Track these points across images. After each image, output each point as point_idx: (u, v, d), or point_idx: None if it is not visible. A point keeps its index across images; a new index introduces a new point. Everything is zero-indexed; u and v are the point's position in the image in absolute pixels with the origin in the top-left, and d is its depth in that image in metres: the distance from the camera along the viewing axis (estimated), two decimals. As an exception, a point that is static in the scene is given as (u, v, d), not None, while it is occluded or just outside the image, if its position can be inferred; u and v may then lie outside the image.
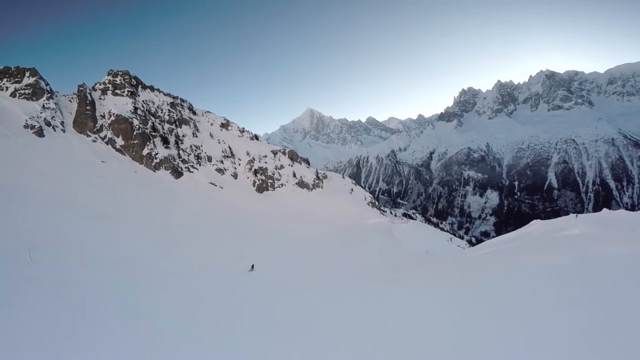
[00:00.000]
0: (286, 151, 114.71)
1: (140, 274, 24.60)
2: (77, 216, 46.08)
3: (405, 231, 72.83)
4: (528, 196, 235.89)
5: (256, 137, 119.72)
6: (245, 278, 27.72)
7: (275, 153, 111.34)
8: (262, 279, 27.06)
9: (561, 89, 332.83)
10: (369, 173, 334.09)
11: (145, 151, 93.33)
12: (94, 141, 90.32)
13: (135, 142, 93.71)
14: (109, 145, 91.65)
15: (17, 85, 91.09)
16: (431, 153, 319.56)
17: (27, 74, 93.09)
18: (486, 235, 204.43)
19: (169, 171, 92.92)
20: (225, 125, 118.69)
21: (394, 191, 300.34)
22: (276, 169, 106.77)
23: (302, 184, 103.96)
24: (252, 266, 34.44)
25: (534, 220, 33.78)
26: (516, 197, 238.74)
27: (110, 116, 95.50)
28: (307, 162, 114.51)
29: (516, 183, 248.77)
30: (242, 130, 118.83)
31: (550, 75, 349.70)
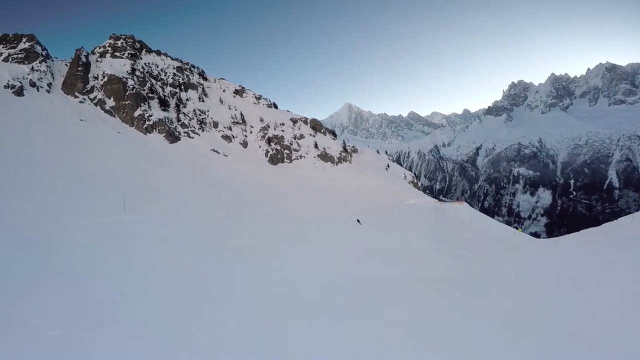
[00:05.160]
0: (308, 120, 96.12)
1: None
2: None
3: (464, 210, 53.01)
4: (585, 196, 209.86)
5: (275, 106, 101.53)
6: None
7: (295, 121, 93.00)
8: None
9: (624, 82, 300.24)
10: (409, 168, 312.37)
11: (137, 113, 78.64)
12: (82, 102, 78.00)
13: (127, 102, 79.80)
14: (98, 107, 78.97)
15: (12, 51, 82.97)
16: (477, 148, 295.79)
17: (24, 39, 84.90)
18: (537, 237, 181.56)
19: (163, 135, 77.34)
20: (239, 92, 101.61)
21: (437, 188, 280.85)
22: (295, 139, 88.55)
23: (325, 157, 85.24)
24: (358, 220, 35.91)
25: None
26: (571, 196, 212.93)
27: (104, 77, 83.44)
28: (333, 133, 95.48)
29: (572, 182, 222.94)
30: (259, 98, 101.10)
31: (611, 68, 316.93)
